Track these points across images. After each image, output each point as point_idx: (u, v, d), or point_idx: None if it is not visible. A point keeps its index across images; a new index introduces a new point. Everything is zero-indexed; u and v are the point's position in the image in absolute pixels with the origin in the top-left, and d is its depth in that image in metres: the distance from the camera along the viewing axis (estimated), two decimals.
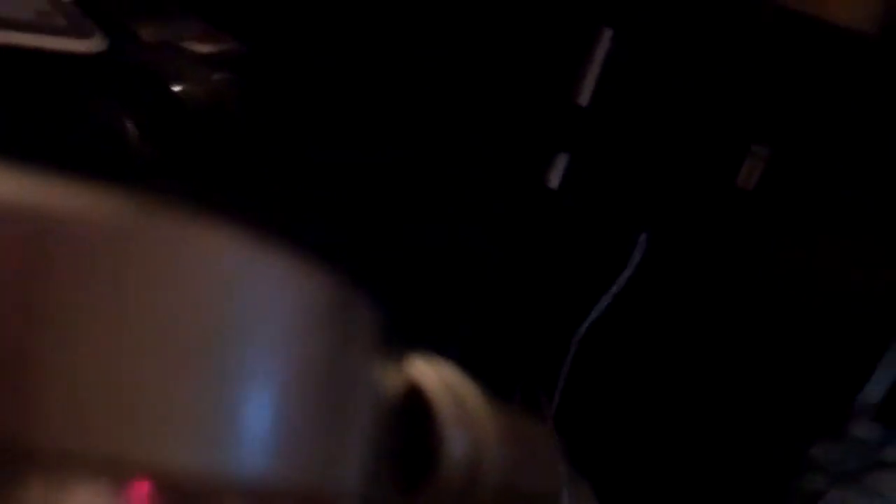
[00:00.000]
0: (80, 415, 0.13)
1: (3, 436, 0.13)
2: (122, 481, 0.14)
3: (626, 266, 0.92)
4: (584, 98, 0.86)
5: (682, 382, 1.01)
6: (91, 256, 0.13)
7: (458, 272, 0.90)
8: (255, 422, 0.15)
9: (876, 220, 1.01)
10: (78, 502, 0.13)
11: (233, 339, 0.15)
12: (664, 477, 0.99)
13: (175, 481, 0.14)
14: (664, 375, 1.01)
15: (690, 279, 0.98)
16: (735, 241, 0.97)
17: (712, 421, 1.01)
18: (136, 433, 0.14)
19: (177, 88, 0.73)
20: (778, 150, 0.94)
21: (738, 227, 0.96)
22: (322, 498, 0.18)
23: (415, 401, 0.22)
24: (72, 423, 0.13)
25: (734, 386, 1.01)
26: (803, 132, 0.95)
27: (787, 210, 0.97)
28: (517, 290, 0.95)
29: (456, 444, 0.22)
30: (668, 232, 0.94)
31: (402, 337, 0.21)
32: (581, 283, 0.94)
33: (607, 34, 0.86)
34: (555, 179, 0.87)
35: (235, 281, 0.15)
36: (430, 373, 0.23)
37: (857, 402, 1.12)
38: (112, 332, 0.14)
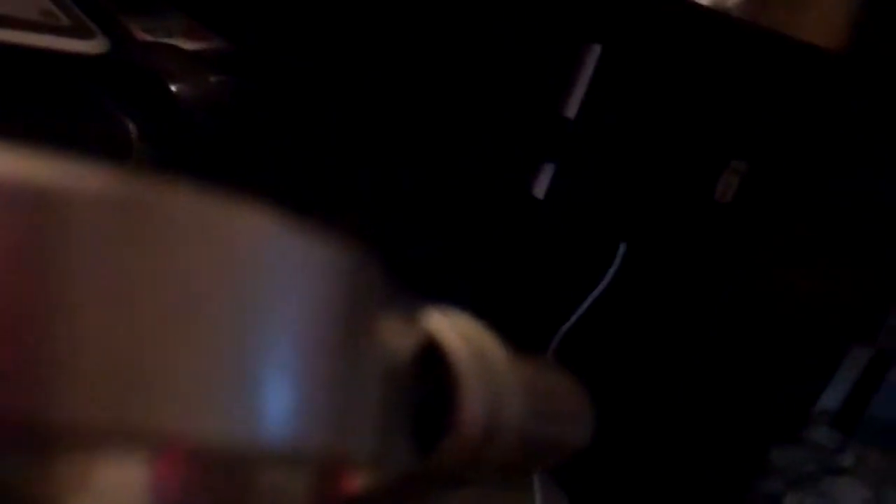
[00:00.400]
0: (106, 388, 0.13)
1: (29, 414, 0.12)
2: (151, 454, 0.14)
3: (604, 275, 0.93)
4: (572, 111, 0.88)
5: (650, 389, 1.03)
6: (110, 226, 0.13)
7: (441, 279, 0.91)
8: (279, 388, 0.15)
9: (841, 232, 1.04)
10: (108, 477, 0.13)
11: (253, 306, 0.15)
12: (630, 478, 1.01)
13: (204, 452, 0.14)
14: (634, 383, 1.03)
15: (666, 289, 1.00)
16: (710, 252, 0.99)
17: (678, 425, 1.03)
18: (164, 404, 0.14)
19: (175, 88, 0.73)
20: (754, 165, 0.96)
21: (714, 239, 0.98)
22: (342, 461, 0.18)
23: (432, 355, 0.22)
24: (97, 397, 0.13)
25: (700, 391, 1.03)
26: (779, 148, 0.98)
27: (759, 224, 0.99)
28: (497, 296, 0.96)
29: (475, 397, 0.21)
30: (646, 242, 0.95)
31: (417, 291, 0.21)
32: (559, 291, 0.96)
33: (596, 50, 0.87)
34: (540, 189, 0.89)
35: (254, 250, 0.15)
36: (448, 325, 0.22)
37: (816, 408, 1.15)
38: (134, 304, 0.13)
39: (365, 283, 0.18)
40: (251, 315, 0.15)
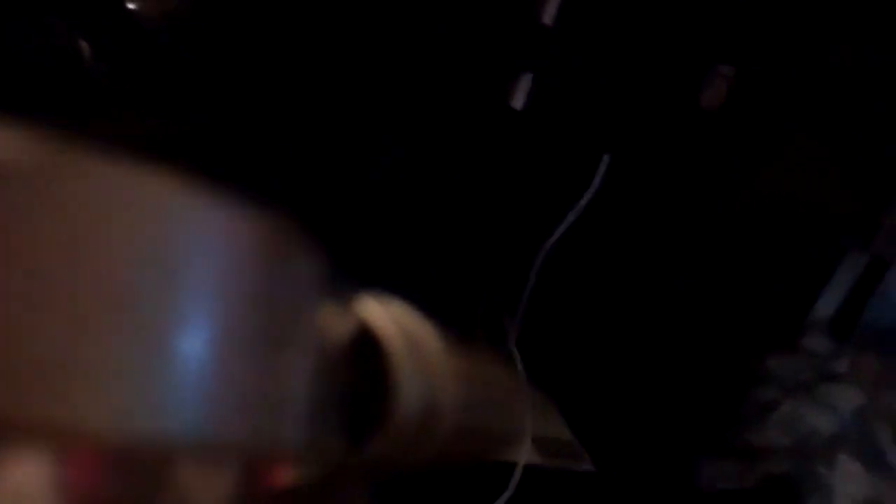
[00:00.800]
0: (11, 380, 0.12)
1: None
2: (58, 450, 0.13)
3: (588, 187, 0.92)
4: (549, 16, 0.85)
5: (643, 299, 1.02)
6: (14, 199, 0.12)
7: (424, 193, 0.90)
8: (195, 374, 0.14)
9: (836, 139, 1.02)
10: (13, 474, 0.13)
11: (168, 287, 0.14)
12: (626, 391, 1.02)
13: (115, 448, 0.14)
14: (625, 293, 1.02)
15: (653, 200, 0.99)
16: (699, 161, 0.97)
17: (672, 335, 1.03)
18: (69, 397, 0.13)
19: (131, 6, 0.71)
20: (742, 69, 0.94)
21: (702, 147, 0.96)
22: (268, 454, 0.17)
23: (366, 343, 0.21)
24: (3, 390, 0.12)
25: (693, 301, 1.03)
26: (768, 50, 0.95)
27: (750, 130, 0.98)
28: (480, 210, 0.95)
29: (410, 387, 0.21)
30: (631, 152, 0.94)
31: (354, 275, 0.20)
32: (544, 204, 0.95)
33: None
34: (519, 100, 0.87)
35: (167, 226, 0.14)
36: (382, 313, 0.22)
37: (811, 316, 1.15)
38: (39, 286, 0.12)
39: (294, 268, 0.17)
40: (163, 298, 0.14)
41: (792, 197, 1.05)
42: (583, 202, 0.90)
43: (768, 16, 0.93)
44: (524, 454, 0.90)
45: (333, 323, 0.20)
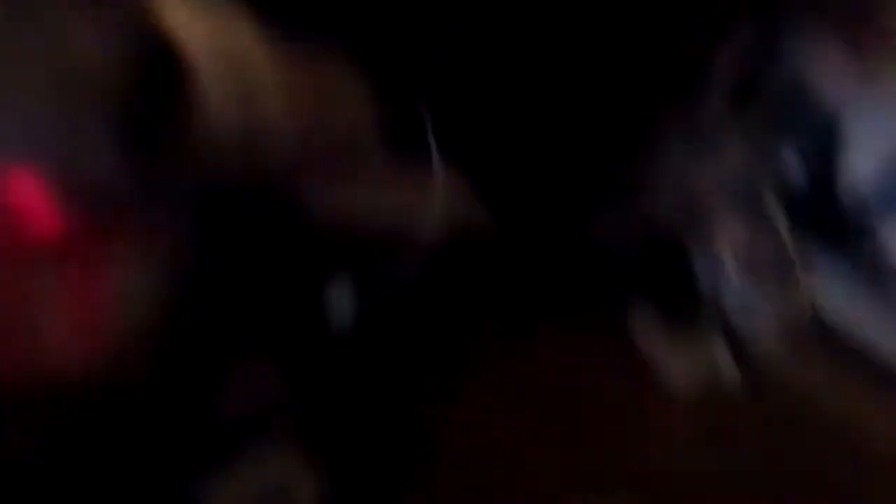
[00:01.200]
0: None
1: None
2: None
3: None
4: None
5: (547, 64, 1.02)
6: None
7: None
8: None
9: None
10: None
11: None
12: (530, 154, 1.03)
13: None
14: (534, 56, 1.01)
15: None
16: None
17: (574, 96, 1.03)
18: None
19: None
20: None
21: None
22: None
23: (166, 52, 0.18)
24: None
25: (597, 59, 1.03)
26: None
27: None
28: None
29: (217, 96, 0.18)
30: None
31: None
32: None
33: None
34: None
35: None
36: (187, 18, 0.19)
37: (707, 76, 1.17)
38: None
39: None
40: None
41: None
42: None
43: None
44: (433, 224, 0.92)
45: (110, 28, 0.17)
